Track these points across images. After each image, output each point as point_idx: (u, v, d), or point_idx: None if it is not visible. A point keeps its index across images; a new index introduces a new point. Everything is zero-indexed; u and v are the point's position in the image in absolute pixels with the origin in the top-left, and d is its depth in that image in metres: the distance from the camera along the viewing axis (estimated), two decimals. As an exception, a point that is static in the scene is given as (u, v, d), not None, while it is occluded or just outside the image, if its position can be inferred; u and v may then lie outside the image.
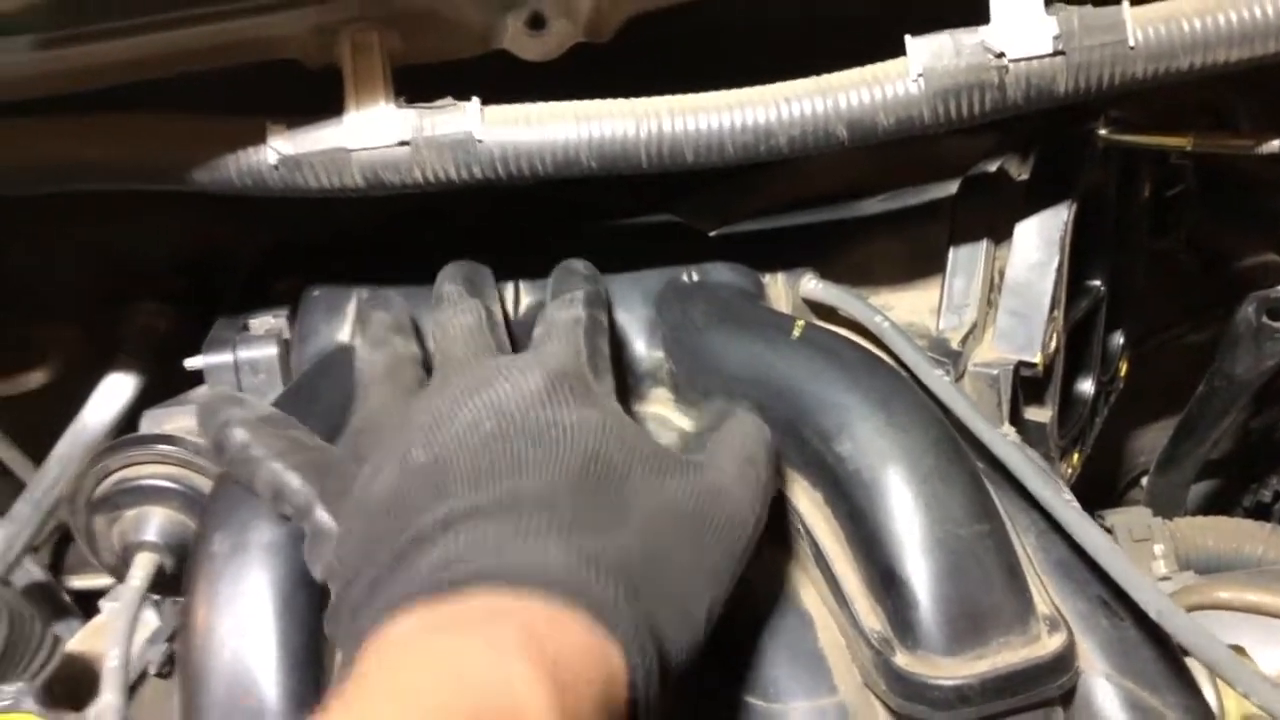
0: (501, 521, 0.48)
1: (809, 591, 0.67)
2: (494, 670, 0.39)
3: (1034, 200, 0.78)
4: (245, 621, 0.60)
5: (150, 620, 0.93)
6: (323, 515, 0.56)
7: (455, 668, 0.39)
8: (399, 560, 0.49)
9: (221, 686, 0.59)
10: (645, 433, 0.60)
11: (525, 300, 0.79)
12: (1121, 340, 0.99)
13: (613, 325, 0.72)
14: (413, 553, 0.48)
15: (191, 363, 0.80)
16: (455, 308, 0.66)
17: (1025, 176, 0.81)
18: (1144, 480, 1.16)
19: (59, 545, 1.18)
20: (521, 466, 0.51)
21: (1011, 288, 0.78)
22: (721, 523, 0.55)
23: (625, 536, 0.50)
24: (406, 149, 0.66)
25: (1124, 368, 1.00)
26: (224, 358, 0.79)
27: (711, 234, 0.81)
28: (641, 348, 0.77)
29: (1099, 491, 1.23)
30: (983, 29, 0.64)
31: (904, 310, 0.80)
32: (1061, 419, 0.85)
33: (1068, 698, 0.61)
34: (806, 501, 0.67)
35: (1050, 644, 0.59)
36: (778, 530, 0.69)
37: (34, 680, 0.64)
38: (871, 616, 0.62)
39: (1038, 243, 0.77)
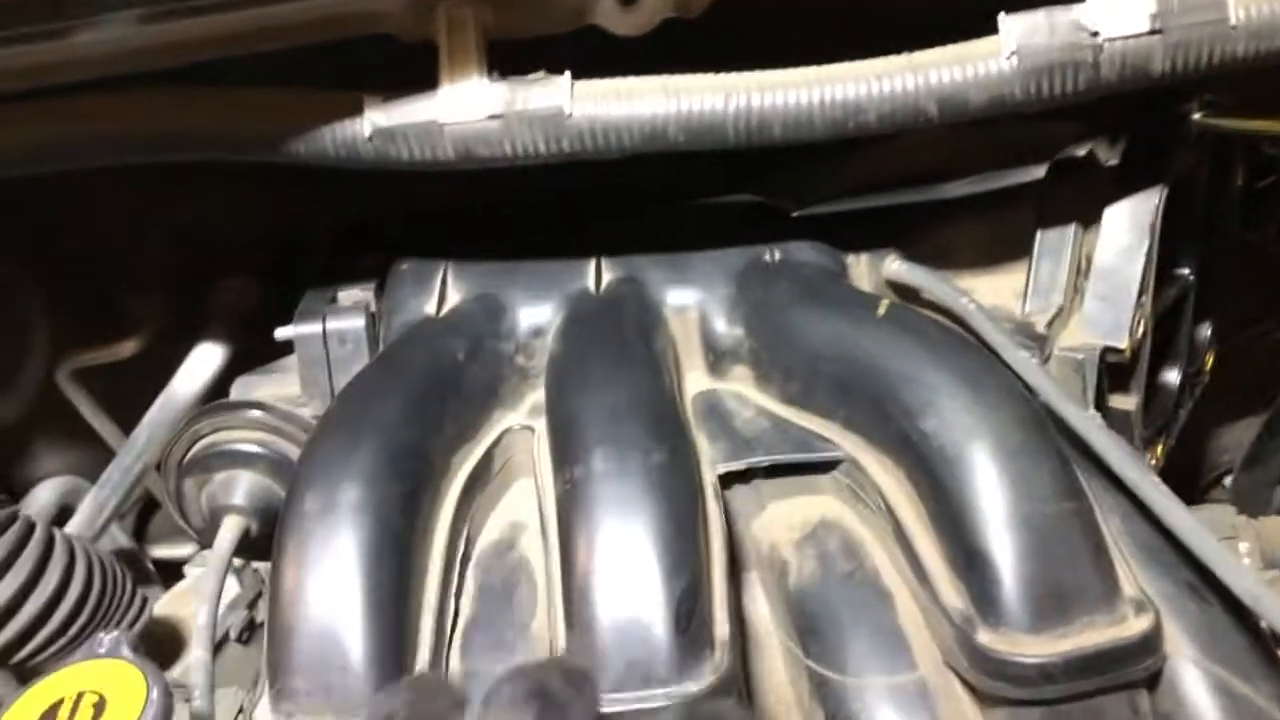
0: None
1: (888, 569, 0.66)
2: None
3: (1125, 184, 0.77)
4: (333, 581, 0.61)
5: (231, 587, 0.95)
6: None
7: None
8: None
9: (309, 645, 0.60)
10: None
11: (607, 276, 0.79)
12: (1208, 332, 0.97)
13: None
14: None
15: (282, 333, 0.82)
16: None
17: (1115, 161, 0.80)
18: (1228, 478, 1.13)
19: (142, 514, 1.21)
20: None
21: (1100, 272, 0.77)
22: None
23: None
24: (498, 122, 0.67)
25: (1210, 360, 0.98)
26: (313, 328, 0.81)
27: (793, 214, 0.81)
28: (722, 325, 0.77)
29: (1182, 488, 1.19)
30: (1078, 6, 0.63)
31: (987, 294, 0.80)
32: (1146, 409, 0.84)
33: (1153, 681, 0.60)
34: (888, 479, 0.66)
35: (1136, 625, 0.58)
36: (856, 508, 0.69)
37: (128, 632, 0.66)
38: (953, 594, 0.61)
39: (1128, 227, 0.76)
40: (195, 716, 0.70)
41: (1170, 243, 0.83)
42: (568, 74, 0.67)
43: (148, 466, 0.96)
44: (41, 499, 1.05)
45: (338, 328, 0.81)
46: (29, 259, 1.00)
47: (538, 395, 0.76)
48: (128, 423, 0.97)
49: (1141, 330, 0.77)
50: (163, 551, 1.19)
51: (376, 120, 0.68)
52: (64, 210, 0.96)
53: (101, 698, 0.58)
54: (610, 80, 0.67)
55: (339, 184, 0.92)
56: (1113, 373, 0.79)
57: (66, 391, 1.01)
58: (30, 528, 0.78)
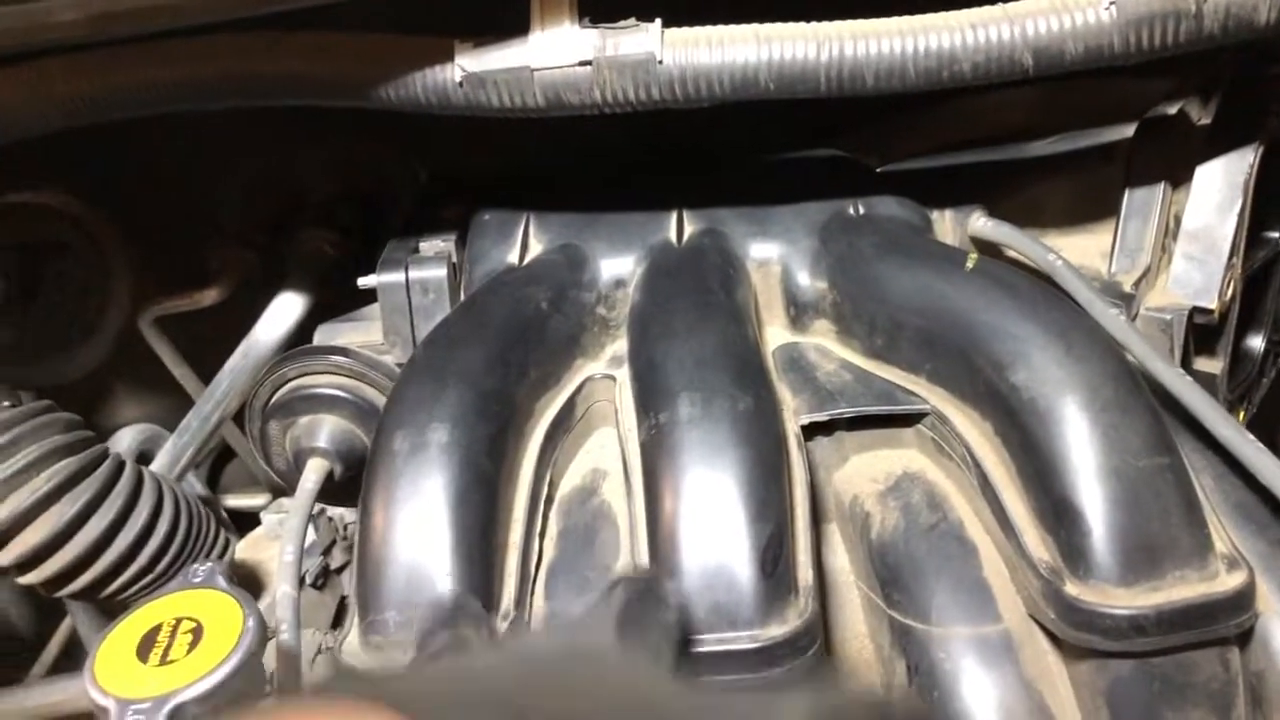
0: None
1: (973, 521, 0.66)
2: None
3: (1217, 143, 0.76)
4: (422, 518, 0.62)
5: (307, 533, 0.97)
6: None
7: None
8: None
9: (397, 582, 0.61)
10: None
11: (689, 229, 0.80)
12: (1295, 300, 0.95)
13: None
14: None
15: (365, 281, 0.83)
16: None
17: (1207, 121, 0.79)
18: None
19: (216, 465, 1.24)
20: None
21: (1190, 232, 0.76)
22: None
23: None
24: (588, 69, 0.67)
25: (1295, 329, 0.97)
26: (396, 277, 0.82)
27: (878, 170, 0.81)
28: (805, 278, 0.77)
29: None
30: (1182, -46, 0.62)
31: (1072, 253, 0.79)
32: (1230, 373, 0.83)
33: (1245, 638, 0.60)
34: (975, 432, 0.66)
35: (1229, 581, 0.58)
36: (940, 461, 0.69)
37: (220, 562, 0.68)
38: (1040, 547, 0.61)
39: (1221, 185, 0.75)
40: (282, 650, 0.71)
41: (1261, 205, 0.82)
42: (658, 21, 0.67)
43: (226, 415, 0.97)
44: (122, 444, 1.07)
45: (420, 277, 0.81)
46: (114, 208, 1.02)
47: (619, 345, 0.77)
48: (208, 372, 0.99)
49: (1231, 291, 0.76)
50: (236, 501, 1.21)
51: (467, 65, 0.68)
52: (150, 160, 0.98)
53: (199, 624, 0.59)
54: (701, 28, 0.67)
55: (424, 137, 0.93)
56: (1199, 335, 0.78)
57: (149, 339, 1.03)
58: (120, 465, 0.80)
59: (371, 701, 0.33)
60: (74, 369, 1.07)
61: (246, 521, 1.01)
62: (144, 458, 1.05)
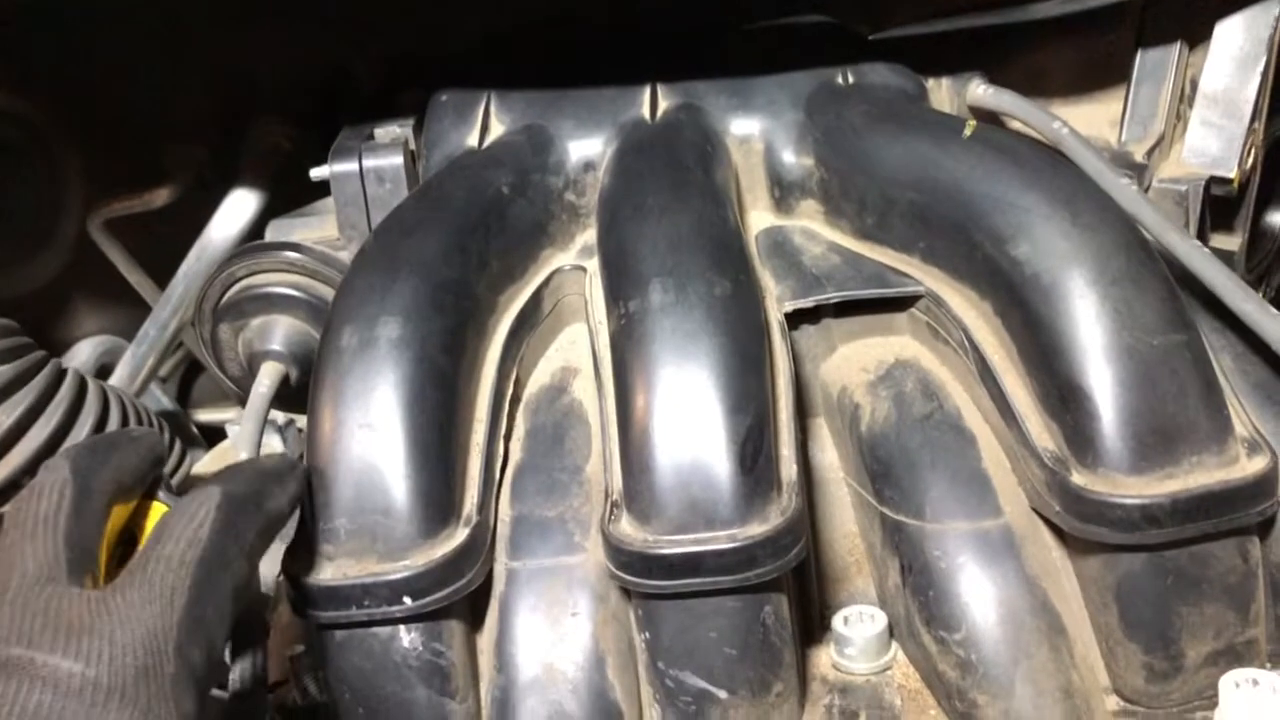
0: None
1: (971, 410, 0.61)
2: None
3: (1237, -2, 0.69)
4: (374, 419, 0.57)
5: (275, 444, 0.93)
6: None
7: None
8: None
9: (349, 486, 0.57)
10: None
11: (663, 104, 0.74)
12: (1316, 174, 0.89)
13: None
14: None
15: (317, 172, 0.78)
16: (42, 490, 0.47)
17: (1226, -27, 0.72)
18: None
19: (187, 377, 1.19)
20: None
21: (1208, 95, 0.70)
22: None
23: None
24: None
25: (1315, 207, 0.91)
26: (349, 166, 0.76)
27: (869, 37, 0.74)
28: (790, 155, 0.71)
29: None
30: None
31: (1080, 123, 0.72)
32: (1249, 251, 0.77)
33: (1265, 527, 0.55)
34: (973, 313, 0.61)
35: (1250, 467, 0.53)
36: (935, 346, 0.64)
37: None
38: (1044, 434, 0.56)
39: (1243, 42, 0.69)
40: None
41: (1283, 67, 0.76)
42: None
43: (184, 322, 0.92)
44: (80, 357, 1.02)
45: (375, 165, 0.76)
46: (64, 108, 0.96)
47: (589, 235, 0.71)
48: (167, 278, 0.94)
49: (1252, 159, 0.70)
50: (208, 416, 1.17)
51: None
52: (100, 56, 0.92)
53: (133, 535, 0.55)
54: None
55: (380, 21, 0.87)
56: (1215, 208, 0.73)
57: (100, 243, 0.98)
58: (61, 373, 0.75)
59: None
60: (28, 281, 1.02)
61: (220, 437, 0.96)
62: (104, 370, 1.01)
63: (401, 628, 0.55)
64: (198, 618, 0.44)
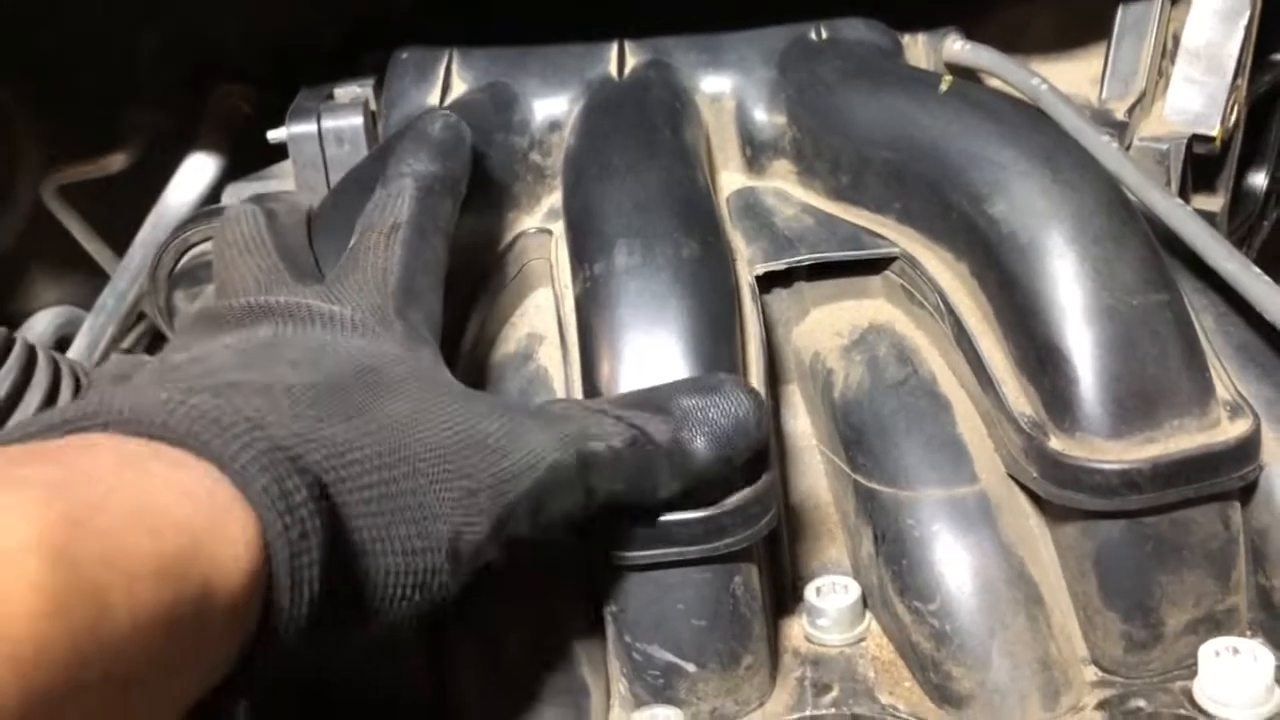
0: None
1: (946, 375, 0.59)
2: None
3: (1221, -52, 0.67)
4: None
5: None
6: None
7: None
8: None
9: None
10: (441, 370, 0.48)
11: (631, 61, 0.71)
12: (1299, 135, 0.88)
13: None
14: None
15: (275, 134, 0.75)
16: (235, 219, 0.54)
17: (1210, -76, 0.70)
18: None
19: (150, 348, 1.16)
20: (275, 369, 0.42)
21: (1190, 50, 0.68)
22: (496, 463, 0.42)
23: (353, 427, 0.39)
24: None
25: (1298, 169, 0.90)
26: (308, 128, 0.74)
27: (843, -9, 0.72)
28: (762, 114, 0.69)
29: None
30: None
31: (1060, 80, 0.70)
32: (1231, 213, 0.76)
33: (1247, 492, 0.54)
34: (949, 275, 0.59)
35: (1232, 430, 0.52)
36: (910, 310, 0.62)
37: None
38: (1022, 398, 0.55)
39: (1226, -6, 0.67)
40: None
41: (1266, 22, 0.74)
42: None
43: (143, 290, 0.90)
44: (37, 329, 1.00)
45: (334, 126, 0.73)
46: (13, 67, 0.93)
47: (555, 198, 0.69)
48: (124, 245, 0.91)
49: (1235, 116, 0.69)
50: (173, 387, 1.14)
51: None
52: (51, 16, 0.89)
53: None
54: None
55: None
56: (1198, 168, 0.71)
57: (55, 211, 0.95)
58: (9, 343, 0.72)
59: None
60: (-17, 250, 0.99)
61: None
62: (64, 341, 0.98)
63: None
64: (410, 289, 0.50)
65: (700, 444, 0.48)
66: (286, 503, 0.33)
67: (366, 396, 0.41)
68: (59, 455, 0.31)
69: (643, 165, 0.61)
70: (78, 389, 0.73)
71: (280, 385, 0.39)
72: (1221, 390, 0.53)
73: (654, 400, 0.49)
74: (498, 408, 0.45)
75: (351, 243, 0.52)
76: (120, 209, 0.93)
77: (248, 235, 0.53)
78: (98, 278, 0.99)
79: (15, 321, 1.03)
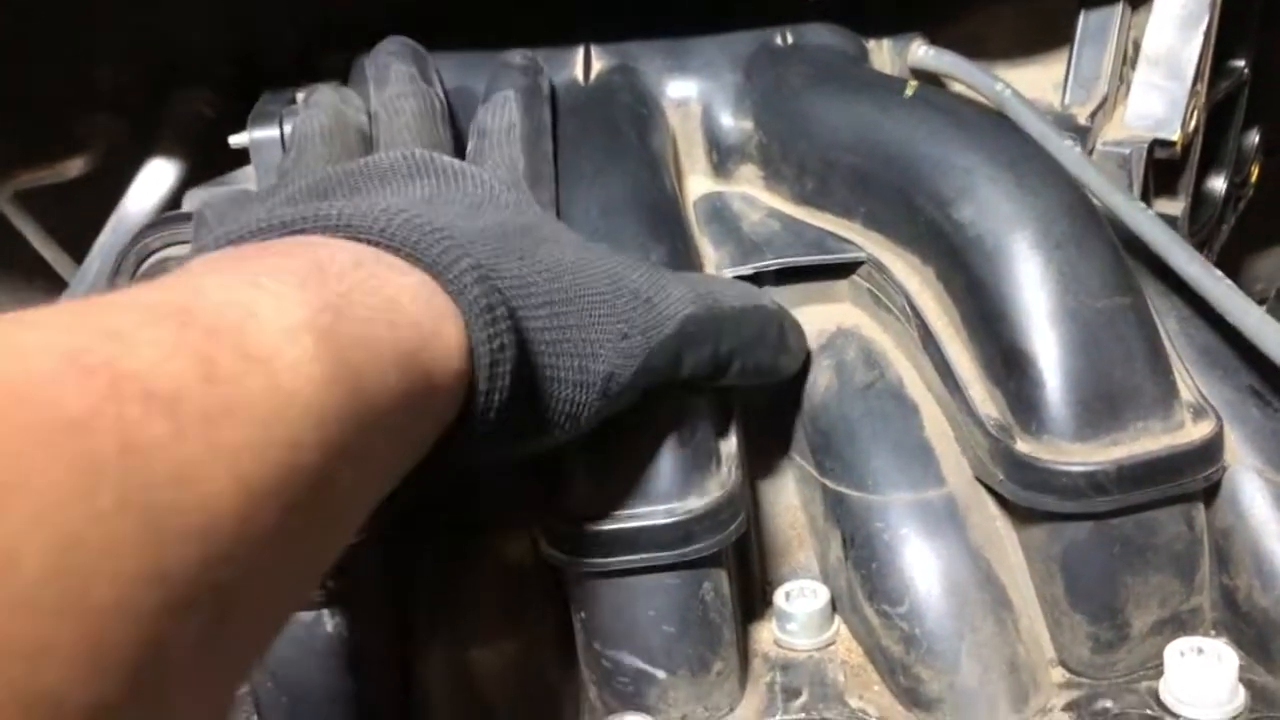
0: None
1: (914, 379, 0.60)
2: (237, 286, 0.31)
3: (1181, -45, 0.68)
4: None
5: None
6: None
7: (197, 283, 0.31)
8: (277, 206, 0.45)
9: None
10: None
11: (597, 66, 0.71)
12: (1256, 139, 0.89)
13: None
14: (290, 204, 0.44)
15: (236, 139, 0.74)
16: (406, 92, 0.60)
17: (1169, -68, 0.71)
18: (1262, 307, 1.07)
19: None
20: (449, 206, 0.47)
21: (1150, 56, 0.69)
22: (645, 312, 0.46)
23: (525, 265, 0.43)
24: None
25: (1255, 172, 0.91)
26: (270, 133, 0.73)
27: (808, -2, 0.72)
28: (728, 119, 0.69)
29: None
30: None
31: (1023, 86, 0.70)
32: (1191, 216, 0.77)
33: (1211, 493, 0.54)
34: (915, 279, 0.59)
35: (1196, 432, 0.52)
36: (878, 314, 0.62)
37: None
38: (988, 402, 0.55)
39: (1185, 1, 0.67)
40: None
41: (1225, 28, 0.75)
42: None
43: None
44: (-5, 336, 0.98)
45: (297, 131, 0.72)
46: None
47: (522, 202, 0.68)
48: (81, 252, 0.90)
49: (1195, 122, 0.69)
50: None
51: None
52: (4, 19, 0.87)
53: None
54: None
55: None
56: (1159, 172, 0.72)
57: (11, 217, 0.93)
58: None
59: None
60: (-60, 256, 0.98)
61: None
62: (21, 350, 0.97)
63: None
64: (536, 173, 0.56)
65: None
66: (491, 315, 0.37)
67: (530, 243, 0.45)
68: (302, 251, 0.35)
69: (609, 170, 0.61)
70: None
71: (456, 225, 0.41)
72: (1185, 392, 0.54)
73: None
74: (641, 262, 0.49)
75: (470, 145, 0.59)
76: (79, 214, 0.91)
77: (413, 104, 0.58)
78: (55, 284, 0.97)
79: (-29, 329, 1.01)
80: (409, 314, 0.35)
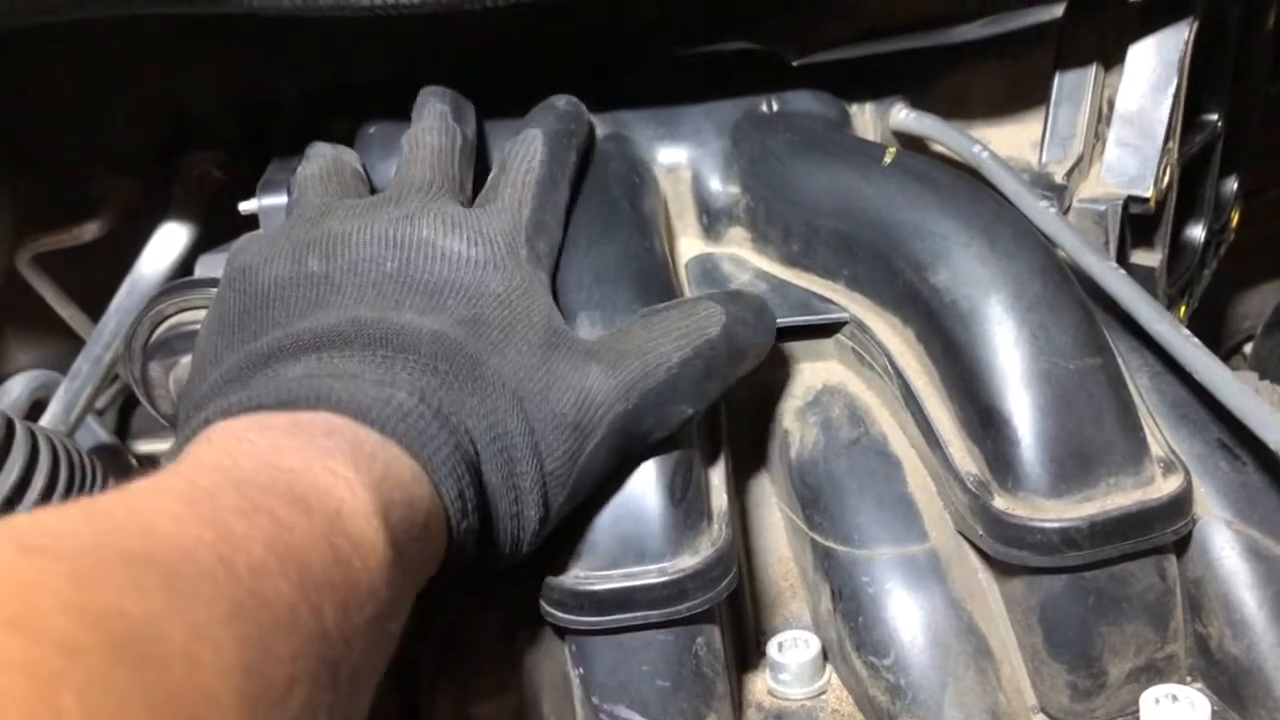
0: (365, 354, 0.49)
1: (897, 435, 0.62)
2: (317, 468, 0.38)
3: (1150, 20, 0.71)
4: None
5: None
6: None
7: (277, 458, 0.38)
8: (261, 364, 0.49)
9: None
10: (552, 310, 0.55)
11: (599, 131, 0.74)
12: (1234, 186, 0.91)
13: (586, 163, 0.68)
14: (275, 362, 0.49)
15: (245, 206, 0.77)
16: (433, 128, 0.63)
17: (1140, -4, 0.74)
18: (1249, 345, 1.09)
19: (125, 409, 1.17)
20: (404, 306, 0.51)
21: (1123, 116, 0.71)
22: (570, 438, 0.50)
23: (489, 396, 0.49)
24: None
25: (1235, 218, 0.93)
26: (278, 200, 0.75)
27: (794, 63, 0.75)
28: (716, 183, 0.72)
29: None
30: None
31: (1002, 144, 0.74)
32: (1169, 267, 0.79)
33: (1182, 545, 0.56)
34: (896, 340, 0.62)
35: (1165, 486, 0.54)
36: (861, 372, 0.65)
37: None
38: (967, 459, 0.57)
39: (1155, 64, 0.70)
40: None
41: (1198, 86, 0.77)
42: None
43: (118, 356, 0.91)
44: (12, 394, 1.01)
45: (305, 198, 0.75)
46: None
47: (521, 265, 0.71)
48: (98, 310, 0.93)
49: (1168, 178, 0.72)
50: (148, 447, 1.16)
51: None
52: (25, 84, 0.90)
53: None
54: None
55: (309, 47, 0.86)
56: (1136, 226, 0.74)
57: (29, 279, 0.96)
58: (9, 429, 0.73)
59: None
60: (-42, 317, 1.01)
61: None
62: (38, 405, 1.00)
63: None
64: (539, 221, 0.58)
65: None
66: (462, 500, 0.45)
67: (470, 364, 0.49)
68: (339, 431, 0.42)
69: (602, 239, 0.63)
70: (55, 460, 0.75)
71: (417, 331, 0.49)
72: (1155, 447, 0.56)
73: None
74: (574, 363, 0.52)
75: (491, 176, 0.61)
76: (95, 275, 0.94)
77: (432, 146, 0.61)
78: (73, 342, 1.00)
79: (-11, 386, 1.04)
80: (417, 494, 0.42)
